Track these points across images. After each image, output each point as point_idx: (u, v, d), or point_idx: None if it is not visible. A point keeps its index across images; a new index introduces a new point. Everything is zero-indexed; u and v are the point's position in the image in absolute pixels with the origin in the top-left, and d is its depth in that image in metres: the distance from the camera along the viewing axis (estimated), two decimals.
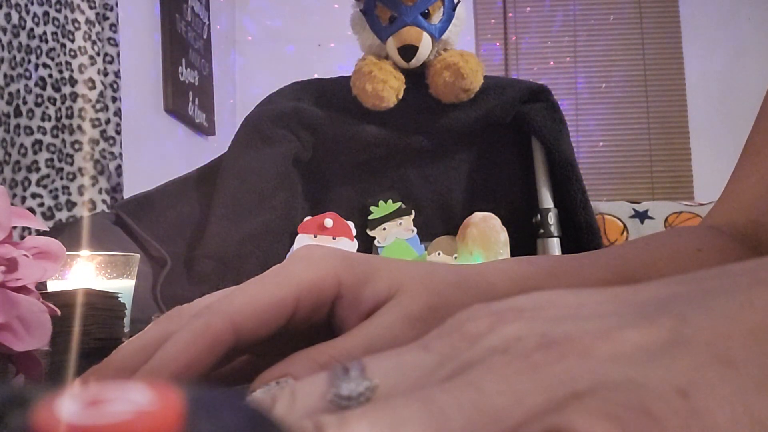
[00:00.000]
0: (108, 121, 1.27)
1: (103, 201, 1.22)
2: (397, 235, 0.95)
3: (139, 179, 1.50)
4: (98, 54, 1.25)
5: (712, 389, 0.12)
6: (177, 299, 0.82)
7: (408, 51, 0.92)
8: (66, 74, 1.19)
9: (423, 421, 0.13)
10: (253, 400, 0.16)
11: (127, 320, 0.46)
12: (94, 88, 1.23)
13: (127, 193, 1.25)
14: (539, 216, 0.94)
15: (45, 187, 1.11)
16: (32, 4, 1.09)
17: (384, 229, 0.97)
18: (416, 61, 0.93)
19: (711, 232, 0.36)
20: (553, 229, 0.93)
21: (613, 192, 2.70)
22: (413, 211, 0.98)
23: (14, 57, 1.04)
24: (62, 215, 1.14)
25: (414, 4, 0.91)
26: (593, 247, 0.93)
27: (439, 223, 1.00)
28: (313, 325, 0.26)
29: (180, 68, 1.99)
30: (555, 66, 2.76)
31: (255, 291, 0.24)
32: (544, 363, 0.13)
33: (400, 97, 0.94)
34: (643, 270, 0.31)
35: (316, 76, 1.04)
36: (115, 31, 1.34)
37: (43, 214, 1.11)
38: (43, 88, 1.12)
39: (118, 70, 1.34)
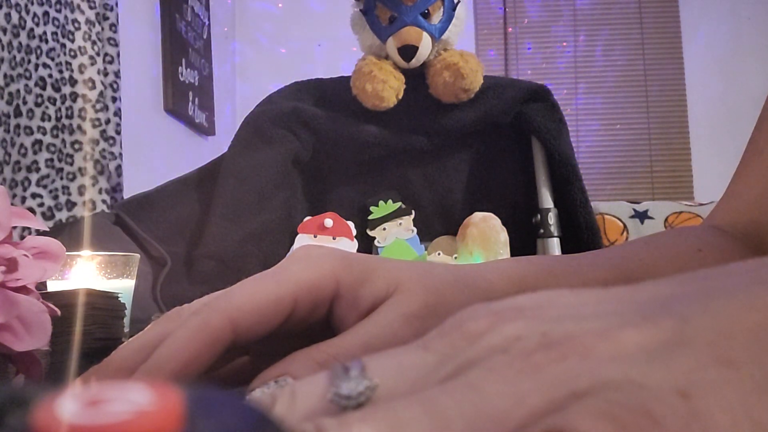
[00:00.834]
0: (108, 121, 1.27)
1: (103, 201, 1.22)
2: (397, 235, 0.95)
3: (139, 179, 1.50)
4: (98, 54, 1.25)
5: (713, 390, 0.12)
6: (177, 299, 0.81)
7: (408, 51, 0.92)
8: (66, 74, 1.19)
9: (424, 423, 0.13)
10: (252, 400, 0.16)
11: (127, 320, 0.46)
12: (94, 88, 1.23)
13: (127, 193, 1.25)
14: (539, 216, 0.94)
15: (45, 187, 1.11)
16: (32, 4, 1.09)
17: (384, 229, 0.97)
18: (416, 61, 0.93)
19: (712, 232, 0.36)
20: (553, 229, 0.93)
21: (613, 192, 2.70)
22: (413, 211, 0.98)
23: (14, 57, 1.04)
24: (62, 215, 1.14)
25: (414, 4, 0.91)
26: (593, 247, 0.93)
27: (439, 223, 1.00)
28: (312, 324, 0.26)
29: (180, 68, 1.99)
30: (555, 66, 2.76)
31: (253, 289, 0.24)
32: (544, 363, 0.13)
33: (400, 97, 0.94)
34: (643, 270, 0.31)
35: (316, 76, 1.04)
36: (115, 31, 1.34)
37: (43, 214, 1.11)
38: (43, 88, 1.12)
39: (118, 70, 1.34)
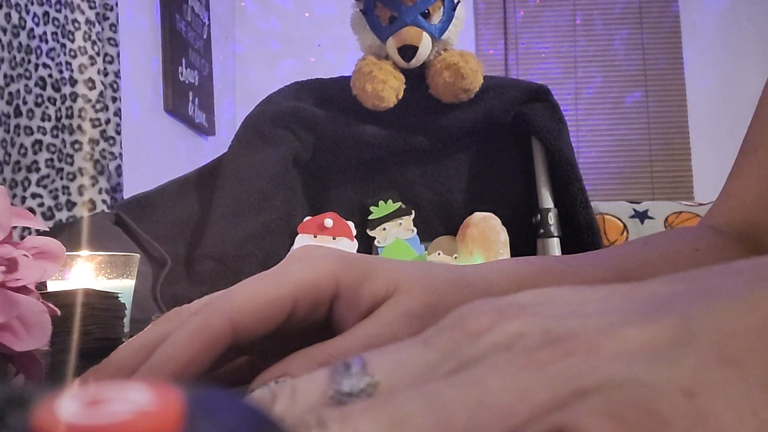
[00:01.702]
0: (108, 121, 1.27)
1: (103, 201, 1.22)
2: (397, 235, 0.95)
3: (139, 179, 1.50)
4: (98, 54, 1.25)
5: (718, 390, 0.12)
6: (177, 299, 0.82)
7: (408, 51, 0.92)
8: (66, 74, 1.19)
9: (426, 416, 0.13)
10: (252, 399, 0.16)
11: (127, 320, 0.46)
12: (94, 88, 1.23)
13: (127, 193, 1.25)
14: (539, 216, 0.94)
15: (45, 187, 1.11)
16: (32, 4, 1.09)
17: (384, 229, 0.97)
18: (416, 61, 0.93)
19: (709, 232, 0.36)
20: (553, 229, 0.93)
21: (613, 192, 2.70)
22: (413, 211, 0.98)
23: (14, 57, 1.04)
24: (62, 215, 1.14)
25: (414, 4, 0.91)
26: (593, 247, 0.93)
27: (439, 223, 1.00)
28: (312, 325, 0.26)
29: (180, 68, 1.99)
30: (555, 66, 2.76)
31: (253, 289, 0.24)
32: (548, 360, 0.13)
33: (400, 97, 0.94)
34: (642, 270, 0.31)
35: (316, 76, 1.04)
36: (115, 31, 1.34)
37: (43, 214, 1.11)
38: (43, 88, 1.12)
39: (118, 70, 1.34)
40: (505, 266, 0.29)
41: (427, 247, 0.95)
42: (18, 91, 1.05)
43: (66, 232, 0.92)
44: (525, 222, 0.97)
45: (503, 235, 0.88)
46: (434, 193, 1.00)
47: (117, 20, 1.36)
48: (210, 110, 2.28)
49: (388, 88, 0.91)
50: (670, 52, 2.75)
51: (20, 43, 1.06)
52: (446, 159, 1.01)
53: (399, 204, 0.98)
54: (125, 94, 1.46)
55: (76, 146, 1.19)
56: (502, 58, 2.77)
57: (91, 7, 1.25)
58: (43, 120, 1.11)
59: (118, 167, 1.30)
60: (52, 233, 0.89)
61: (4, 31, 1.01)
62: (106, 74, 1.30)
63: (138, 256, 0.60)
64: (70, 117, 1.19)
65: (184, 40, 2.04)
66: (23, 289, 0.30)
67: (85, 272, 0.54)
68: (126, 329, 0.44)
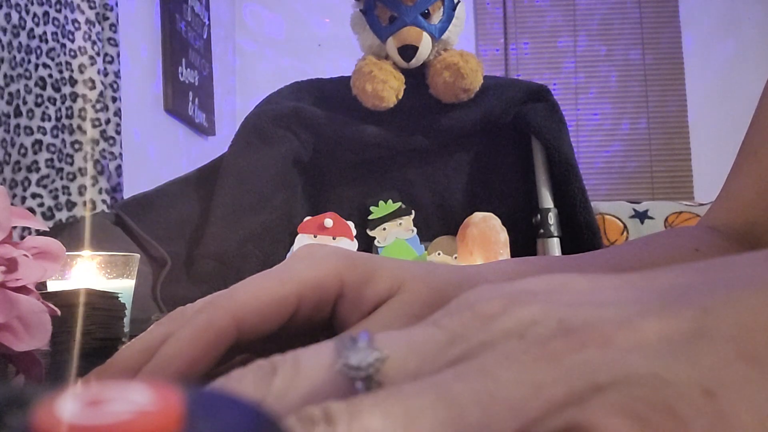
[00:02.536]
0: (108, 121, 1.27)
1: (103, 201, 1.22)
2: (397, 235, 0.95)
3: (139, 179, 1.50)
4: (98, 54, 1.25)
5: (738, 389, 0.11)
6: (177, 299, 0.82)
7: (408, 51, 0.92)
8: (66, 74, 1.19)
9: (437, 411, 0.12)
10: (249, 369, 0.15)
11: (127, 320, 0.46)
12: (94, 88, 1.23)
13: (127, 193, 1.25)
14: (539, 216, 0.94)
15: (45, 187, 1.11)
16: (32, 4, 1.09)
17: (384, 229, 0.97)
18: (416, 61, 0.93)
19: (708, 232, 0.36)
20: (553, 229, 0.93)
21: (613, 192, 2.70)
22: (413, 211, 0.98)
23: (14, 57, 1.04)
24: (62, 215, 1.14)
25: (414, 4, 0.91)
26: (593, 247, 0.93)
27: (439, 223, 1.00)
28: (315, 324, 0.26)
29: (180, 68, 1.99)
30: (555, 66, 2.76)
31: (257, 287, 0.24)
32: (563, 351, 0.13)
33: (400, 97, 0.94)
34: (642, 270, 0.31)
35: (316, 76, 1.04)
36: (115, 31, 1.34)
37: (43, 214, 1.11)
38: (43, 88, 1.12)
39: (118, 70, 1.34)
40: (505, 267, 0.29)
41: (427, 247, 0.95)
42: (18, 91, 1.05)
43: (66, 232, 0.92)
44: (525, 222, 0.97)
45: (503, 235, 0.88)
46: (434, 193, 1.00)
47: (117, 20, 1.36)
48: (210, 110, 2.28)
49: (388, 88, 0.91)
50: (671, 52, 2.75)
51: (20, 43, 1.06)
52: (446, 159, 1.01)
53: (399, 204, 0.98)
54: (125, 94, 1.46)
55: (76, 146, 1.19)
56: (502, 58, 2.77)
57: (91, 7, 1.25)
58: (43, 120, 1.11)
59: (118, 167, 1.30)
60: (52, 233, 0.89)
61: (4, 31, 1.01)
62: (106, 74, 1.30)
63: (138, 256, 0.60)
64: (70, 117, 1.19)
65: (184, 40, 2.04)
66: (23, 289, 0.30)
67: (85, 272, 0.54)
68: (126, 329, 0.44)
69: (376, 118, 0.95)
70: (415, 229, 0.96)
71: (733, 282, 0.14)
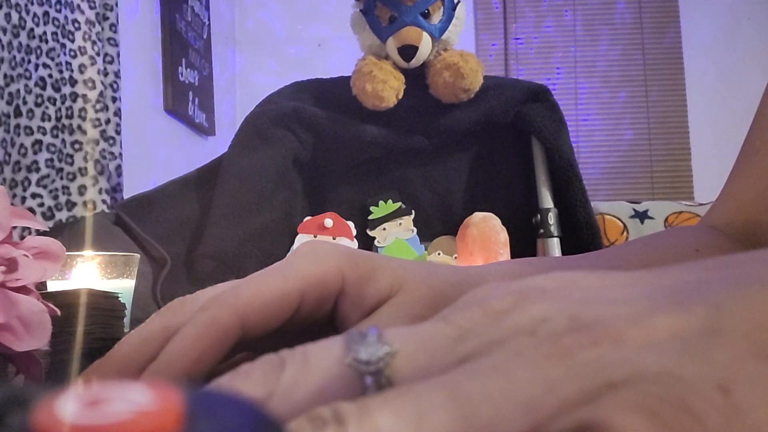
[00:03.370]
0: (108, 121, 1.27)
1: (103, 201, 1.22)
2: (397, 235, 0.95)
3: (139, 179, 1.50)
4: (98, 54, 1.25)
5: (753, 385, 0.11)
6: None
7: (408, 51, 0.92)
8: (66, 74, 1.19)
9: (449, 411, 0.12)
10: (258, 363, 0.15)
11: (127, 320, 0.46)
12: (94, 88, 1.23)
13: (127, 193, 1.25)
14: (539, 216, 0.94)
15: (45, 187, 1.11)
16: (32, 4, 1.09)
17: (384, 229, 0.97)
18: (416, 61, 0.93)
19: (709, 231, 0.36)
20: (553, 229, 0.93)
21: (613, 192, 2.70)
22: (413, 211, 0.98)
23: (14, 57, 1.04)
24: (62, 215, 1.14)
25: (414, 4, 0.91)
26: (593, 247, 0.93)
27: (439, 223, 1.00)
28: (315, 322, 0.26)
29: (180, 68, 1.99)
30: (555, 66, 2.76)
31: (260, 284, 0.24)
32: (575, 348, 0.13)
33: (400, 97, 0.94)
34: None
35: (316, 76, 1.04)
36: (115, 31, 1.34)
37: (43, 214, 1.11)
38: (43, 88, 1.12)
39: (118, 70, 1.34)
40: (506, 268, 0.29)
41: (427, 247, 0.95)
42: (18, 91, 1.05)
43: (66, 232, 0.92)
44: (525, 222, 0.97)
45: (503, 235, 0.88)
46: (434, 193, 1.00)
47: (117, 20, 1.36)
48: (210, 110, 2.28)
49: (388, 88, 0.91)
50: (671, 52, 2.75)
51: (20, 43, 1.06)
52: (446, 159, 1.01)
53: (399, 204, 0.98)
54: (125, 94, 1.46)
55: (76, 146, 1.19)
56: (502, 58, 2.77)
57: (91, 7, 1.25)
58: (43, 120, 1.11)
59: (118, 167, 1.30)
60: (52, 233, 0.89)
61: (4, 31, 1.01)
62: (106, 74, 1.30)
63: (138, 256, 0.60)
64: (70, 117, 1.19)
65: (184, 40, 2.04)
66: (23, 289, 0.30)
67: (85, 272, 0.54)
68: (126, 329, 0.44)
69: (376, 118, 0.95)
70: (415, 229, 0.96)
71: (745, 279, 0.14)
